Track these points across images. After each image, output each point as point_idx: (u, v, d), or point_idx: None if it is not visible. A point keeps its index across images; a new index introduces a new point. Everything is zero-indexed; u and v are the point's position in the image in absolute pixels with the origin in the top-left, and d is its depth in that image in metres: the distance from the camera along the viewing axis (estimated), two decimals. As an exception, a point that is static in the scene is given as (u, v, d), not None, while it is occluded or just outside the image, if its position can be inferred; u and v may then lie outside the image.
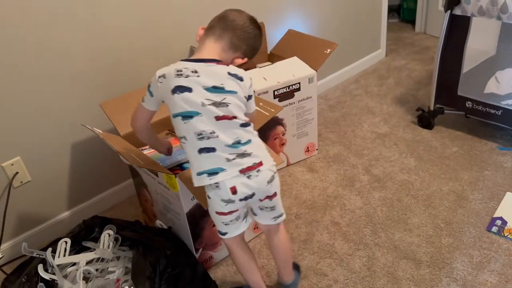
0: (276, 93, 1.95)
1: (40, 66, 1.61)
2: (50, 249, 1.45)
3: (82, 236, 1.56)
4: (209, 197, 1.25)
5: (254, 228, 1.73)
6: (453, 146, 2.18)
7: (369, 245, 1.67)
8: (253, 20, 1.27)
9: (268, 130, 2.01)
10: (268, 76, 1.97)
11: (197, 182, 1.21)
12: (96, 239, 1.55)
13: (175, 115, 1.17)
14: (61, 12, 1.59)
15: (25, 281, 1.39)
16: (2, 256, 1.69)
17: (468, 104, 2.14)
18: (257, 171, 1.21)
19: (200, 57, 1.21)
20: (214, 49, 1.23)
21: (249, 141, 1.21)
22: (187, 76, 1.16)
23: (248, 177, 1.20)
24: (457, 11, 2.00)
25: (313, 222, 1.80)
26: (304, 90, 2.01)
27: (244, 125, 1.21)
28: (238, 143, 1.19)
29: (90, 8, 1.66)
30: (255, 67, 2.18)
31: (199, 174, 1.19)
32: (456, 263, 1.56)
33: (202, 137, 1.17)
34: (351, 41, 2.86)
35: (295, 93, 2.00)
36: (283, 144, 2.10)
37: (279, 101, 1.96)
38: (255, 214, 1.34)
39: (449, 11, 2.03)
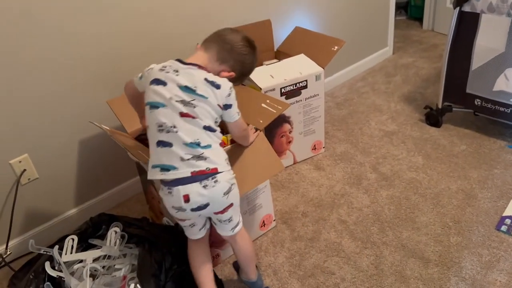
0: (283, 90, 1.94)
1: (48, 64, 1.61)
2: (57, 247, 1.45)
3: (89, 233, 1.56)
4: (162, 199, 1.26)
5: (261, 226, 1.73)
6: (462, 144, 2.16)
7: (377, 244, 1.66)
8: (246, 39, 1.35)
9: (275, 128, 2.00)
10: (275, 74, 1.96)
11: (150, 174, 1.23)
12: (103, 237, 1.55)
13: (146, 104, 1.24)
14: (70, 10, 1.59)
15: (32, 278, 1.39)
16: (10, 253, 1.70)
17: (477, 102, 2.11)
18: (214, 181, 1.21)
19: (187, 61, 1.28)
20: (202, 57, 1.30)
21: (208, 146, 1.22)
22: (167, 72, 1.24)
23: (204, 186, 1.19)
24: (466, 8, 1.98)
25: (320, 220, 1.79)
26: (311, 87, 2.00)
27: (208, 128, 1.23)
28: (197, 144, 1.20)
29: (99, 6, 1.66)
30: (262, 65, 2.17)
31: (153, 167, 1.22)
32: (465, 262, 1.54)
33: (162, 129, 1.20)
34: (358, 39, 2.84)
35: (302, 91, 1.99)
36: (289, 142, 2.09)
37: (286, 98, 1.95)
38: (214, 224, 1.34)
39: (458, 8, 2.00)
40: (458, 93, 2.17)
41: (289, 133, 2.07)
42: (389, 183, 1.96)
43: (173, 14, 1.89)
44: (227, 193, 1.24)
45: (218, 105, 1.25)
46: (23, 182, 1.68)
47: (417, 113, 2.45)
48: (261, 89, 1.85)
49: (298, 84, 1.96)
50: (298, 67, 2.01)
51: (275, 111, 1.64)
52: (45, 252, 1.45)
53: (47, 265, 1.40)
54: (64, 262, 1.43)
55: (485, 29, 1.98)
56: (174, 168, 1.18)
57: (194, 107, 1.21)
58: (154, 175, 1.21)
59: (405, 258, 1.58)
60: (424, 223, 1.72)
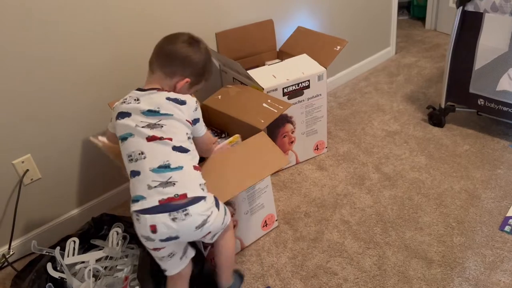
0: (285, 90, 1.93)
1: (52, 65, 1.61)
2: (58, 248, 1.45)
3: (91, 233, 1.56)
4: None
5: (263, 226, 1.72)
6: (465, 144, 2.15)
7: (380, 244, 1.65)
8: (183, 40, 1.32)
9: (277, 128, 2.00)
10: (277, 74, 1.96)
11: (131, 208, 1.17)
12: (105, 237, 1.55)
13: (119, 138, 1.26)
14: (76, 11, 1.59)
15: (34, 278, 1.39)
16: (13, 253, 1.70)
17: (480, 101, 2.10)
18: (185, 215, 1.12)
19: (145, 88, 1.30)
20: (154, 80, 1.31)
21: (179, 168, 1.16)
22: (129, 103, 1.26)
23: (173, 219, 1.12)
24: (470, 7, 1.97)
25: (323, 220, 1.79)
26: (314, 87, 2.00)
27: (179, 149, 1.19)
28: (165, 167, 1.15)
29: (105, 7, 1.66)
30: (264, 65, 2.17)
31: (132, 200, 1.18)
32: (468, 263, 1.54)
33: (131, 159, 1.19)
34: (360, 38, 2.83)
35: (305, 91, 1.98)
36: (292, 142, 2.09)
37: (288, 98, 1.95)
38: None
39: (461, 7, 2.00)
40: (461, 93, 2.16)
41: (292, 133, 2.06)
42: (392, 183, 1.95)
43: (177, 16, 1.89)
44: (200, 226, 1.16)
45: (187, 120, 1.25)
46: (26, 183, 1.68)
47: (420, 113, 2.45)
48: (263, 89, 1.85)
49: (300, 84, 1.96)
50: (300, 67, 2.00)
51: (276, 111, 1.64)
52: (47, 253, 1.45)
53: (49, 266, 1.40)
54: (66, 264, 1.43)
55: (489, 29, 1.97)
56: (142, 197, 1.14)
57: (162, 126, 1.20)
58: (131, 208, 1.16)
59: (408, 259, 1.58)
60: (427, 223, 1.72)
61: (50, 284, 1.36)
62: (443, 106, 2.26)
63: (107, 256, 1.48)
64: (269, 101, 1.66)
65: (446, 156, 2.08)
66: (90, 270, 1.41)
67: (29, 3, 1.49)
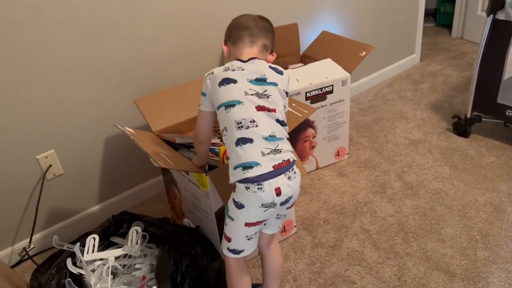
0: (308, 95, 1.92)
1: (77, 62, 1.63)
2: (78, 244, 1.46)
3: (111, 231, 1.57)
4: (241, 206, 1.18)
5: (282, 232, 1.71)
6: (490, 156, 2.09)
7: (400, 254, 1.62)
8: (264, 18, 1.35)
9: (299, 132, 1.98)
10: (301, 77, 1.94)
11: (233, 177, 1.18)
12: (124, 235, 1.56)
13: (219, 106, 1.20)
14: (100, 11, 1.61)
15: (54, 273, 1.41)
16: (33, 247, 1.72)
17: (509, 112, 2.05)
18: (294, 173, 1.20)
19: (244, 59, 1.26)
20: (252, 53, 1.29)
21: (281, 138, 1.21)
22: (233, 70, 1.22)
23: (289, 178, 1.18)
24: (500, 16, 1.92)
25: (342, 228, 1.76)
26: (337, 92, 1.98)
27: (281, 122, 1.23)
28: (272, 137, 1.18)
29: (132, 10, 1.67)
30: (287, 68, 2.16)
31: (235, 168, 1.17)
32: (492, 278, 1.49)
33: (241, 126, 1.17)
34: (385, 45, 2.80)
35: (328, 96, 1.97)
36: (313, 147, 2.07)
37: (311, 103, 1.93)
38: (265, 224, 1.28)
39: (491, 16, 1.95)
40: (488, 103, 2.11)
41: (313, 138, 2.05)
42: (414, 192, 1.91)
43: (203, 19, 1.89)
44: (300, 184, 1.25)
45: (284, 90, 1.26)
46: (49, 178, 1.70)
47: (444, 122, 2.40)
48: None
49: (323, 89, 1.94)
50: (324, 71, 1.98)
51: (301, 115, 1.62)
52: (67, 249, 1.46)
53: (69, 261, 1.41)
54: (86, 260, 1.44)
55: (520, 38, 1.93)
56: (257, 164, 1.15)
57: (268, 97, 1.20)
58: (237, 176, 1.16)
59: (429, 271, 1.54)
60: (450, 236, 1.68)
61: (69, 279, 1.37)
62: (469, 116, 2.21)
63: (125, 254, 1.48)
64: (293, 105, 1.65)
65: (471, 167, 2.03)
66: (108, 267, 1.42)
67: (62, 7, 1.51)
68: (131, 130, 1.50)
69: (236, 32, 1.31)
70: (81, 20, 1.59)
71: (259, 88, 1.20)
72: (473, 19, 3.33)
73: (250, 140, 1.16)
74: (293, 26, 2.19)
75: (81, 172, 1.79)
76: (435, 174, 2.01)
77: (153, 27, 1.77)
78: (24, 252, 1.68)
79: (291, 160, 1.19)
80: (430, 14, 3.82)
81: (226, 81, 1.20)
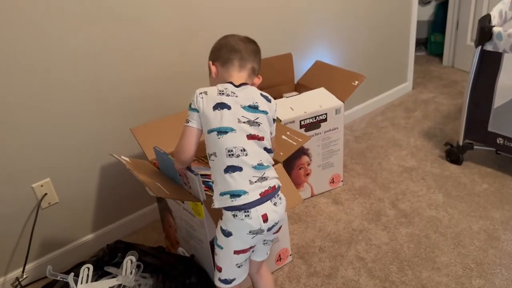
0: (302, 123, 1.94)
1: (73, 91, 1.65)
2: (72, 274, 1.45)
3: (105, 261, 1.56)
4: (229, 234, 1.20)
5: (277, 260, 1.70)
6: (483, 183, 2.12)
7: (396, 283, 1.61)
8: (252, 41, 1.36)
9: (293, 160, 2.00)
10: (295, 106, 1.98)
11: (219, 203, 1.20)
12: (119, 264, 1.55)
13: (211, 130, 1.20)
14: (97, 39, 1.65)
15: (47, 304, 1.39)
16: (26, 276, 1.70)
17: (499, 140, 2.09)
18: (279, 198, 1.23)
19: (236, 83, 1.27)
20: (242, 77, 1.30)
21: (268, 166, 1.23)
22: (228, 95, 1.22)
23: (275, 204, 1.21)
24: (489, 47, 1.98)
25: (338, 256, 1.76)
26: (331, 121, 2.01)
27: (268, 150, 1.26)
28: (260, 165, 1.21)
29: (130, 34, 1.71)
30: (282, 97, 2.19)
31: (222, 194, 1.19)
32: (488, 307, 1.49)
33: (232, 154, 1.18)
34: (378, 73, 2.86)
35: (322, 124, 1.99)
36: (307, 174, 2.08)
37: (305, 131, 1.96)
38: (253, 251, 1.30)
39: (480, 47, 2.01)
40: (479, 131, 2.14)
41: (307, 165, 2.06)
42: (409, 220, 1.92)
43: (203, 47, 1.93)
44: (285, 209, 1.27)
45: (272, 118, 1.29)
46: (43, 206, 1.70)
47: (437, 149, 2.43)
48: (280, 121, 1.86)
49: (317, 117, 1.97)
50: (318, 100, 2.02)
51: (295, 144, 1.64)
52: (61, 279, 1.45)
53: (63, 292, 1.40)
54: (79, 290, 1.43)
55: (508, 68, 1.98)
56: (245, 192, 1.17)
57: (259, 125, 1.23)
58: (223, 203, 1.18)
59: (425, 300, 1.54)
60: (444, 264, 1.68)
61: (62, 310, 1.36)
62: (461, 143, 2.24)
63: (120, 285, 1.47)
64: (288, 133, 1.67)
65: (464, 195, 2.05)
66: (102, 298, 1.40)
67: (55, 28, 1.55)
68: (127, 159, 1.51)
69: (226, 54, 1.30)
70: (77, 47, 1.62)
71: (251, 115, 1.22)
72: (463, 49, 3.41)
73: (240, 169, 1.18)
74: (288, 56, 2.23)
75: (76, 201, 1.79)
76: (429, 202, 2.02)
77: (151, 54, 1.81)
78: (17, 282, 1.66)
79: (276, 186, 1.23)
80: (421, 43, 3.91)
81: (221, 106, 1.21)
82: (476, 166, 2.25)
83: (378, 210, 2.00)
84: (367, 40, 2.69)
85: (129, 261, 1.50)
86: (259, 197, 1.18)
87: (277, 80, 2.24)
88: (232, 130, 1.19)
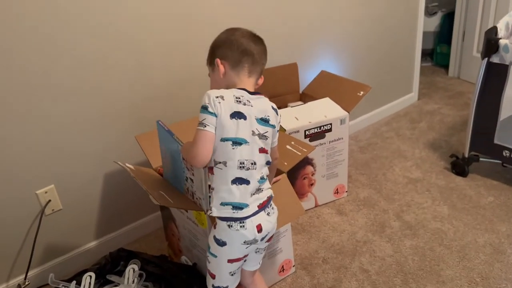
0: (307, 133, 1.94)
1: (77, 98, 1.66)
2: (74, 282, 1.44)
3: (107, 269, 1.55)
4: (223, 243, 1.20)
5: (280, 271, 1.69)
6: (489, 196, 2.10)
7: (400, 296, 1.60)
8: (261, 39, 1.29)
9: (298, 170, 1.99)
10: (300, 116, 1.97)
11: (218, 212, 1.18)
12: (121, 273, 1.54)
13: (226, 139, 1.16)
14: (101, 47, 1.66)
15: (48, 312, 1.38)
16: (29, 283, 1.69)
17: (505, 153, 2.07)
18: (272, 208, 1.24)
19: (250, 91, 1.22)
20: (252, 83, 1.25)
21: (266, 179, 1.25)
22: (244, 104, 1.18)
23: (268, 214, 1.22)
24: (495, 59, 1.97)
25: (341, 267, 1.75)
26: (336, 131, 2.00)
27: (268, 163, 1.26)
28: (263, 178, 1.22)
29: (132, 42, 1.72)
30: (287, 106, 2.19)
31: (224, 204, 1.17)
32: (494, 322, 1.47)
33: (243, 167, 1.17)
34: (383, 84, 2.85)
35: (326, 134, 1.99)
36: (312, 185, 2.08)
37: (310, 141, 1.95)
38: (244, 260, 1.30)
39: (486, 59, 2.00)
40: (485, 143, 2.13)
41: (312, 175, 2.05)
42: (413, 232, 1.90)
43: (205, 52, 1.93)
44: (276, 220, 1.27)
45: (277, 130, 1.28)
46: (47, 213, 1.70)
47: (443, 161, 2.41)
48: (285, 130, 1.86)
49: (322, 127, 1.97)
50: (323, 110, 2.02)
51: (300, 154, 1.64)
52: (63, 287, 1.44)
53: (64, 299, 1.39)
54: (81, 298, 1.42)
55: (514, 80, 1.97)
56: (247, 205, 1.17)
57: (266, 138, 1.22)
58: (223, 213, 1.17)
59: (429, 314, 1.52)
60: (449, 277, 1.66)
61: (63, 319, 1.35)
62: (466, 155, 2.23)
63: (121, 293, 1.46)
64: (292, 143, 1.67)
65: (470, 207, 2.03)
66: (104, 306, 1.40)
67: (62, 37, 1.56)
68: (131, 167, 1.51)
69: (238, 55, 1.22)
70: (82, 55, 1.62)
71: (262, 129, 1.21)
72: (469, 60, 3.40)
73: (247, 182, 1.18)
74: (293, 66, 2.24)
75: (79, 208, 1.79)
76: (434, 214, 2.01)
77: (157, 62, 1.81)
78: (19, 289, 1.66)
79: (270, 197, 1.24)
80: (427, 54, 3.91)
81: (239, 115, 1.16)
82: (482, 179, 2.23)
83: (382, 222, 1.99)
84: (372, 50, 2.69)
85: (132, 269, 1.49)
86: (257, 209, 1.19)
87: (282, 89, 2.24)
88: (246, 142, 1.17)
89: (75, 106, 1.65)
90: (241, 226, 1.17)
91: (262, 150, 1.20)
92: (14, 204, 1.62)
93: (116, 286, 1.48)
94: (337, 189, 2.16)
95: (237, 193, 1.17)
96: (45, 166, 1.65)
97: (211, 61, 1.27)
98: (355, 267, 1.74)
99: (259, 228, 1.19)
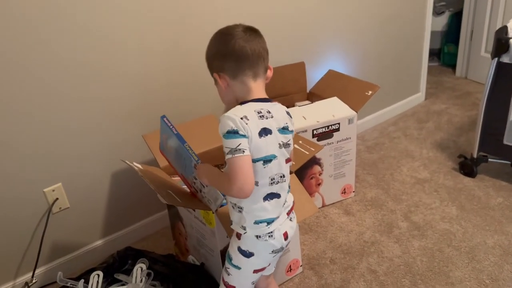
0: (315, 132, 1.93)
1: (85, 97, 1.66)
2: (82, 280, 1.44)
3: (115, 268, 1.55)
4: (250, 254, 1.15)
5: (287, 271, 1.68)
6: (498, 197, 2.08)
7: (408, 298, 1.59)
8: (254, 30, 1.15)
9: (305, 169, 1.98)
10: (308, 115, 1.96)
11: (253, 231, 1.13)
12: (129, 272, 1.54)
13: (258, 160, 1.07)
14: (110, 46, 1.65)
15: (56, 310, 1.38)
16: (36, 281, 1.70)
17: (515, 153, 2.05)
18: (293, 213, 1.24)
19: (261, 97, 1.13)
20: (260, 85, 1.14)
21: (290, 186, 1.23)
22: (266, 118, 1.09)
23: (291, 219, 1.21)
24: (505, 59, 1.95)
25: (349, 268, 1.74)
26: (344, 130, 1.99)
27: (290, 171, 1.25)
28: (289, 186, 1.21)
29: (138, 42, 1.72)
30: (294, 106, 2.18)
31: (258, 222, 1.12)
32: (504, 325, 1.45)
33: (274, 182, 1.12)
34: (390, 83, 2.84)
35: (334, 133, 1.98)
36: (319, 184, 2.06)
37: (318, 140, 1.94)
38: None
39: (496, 59, 1.98)
40: (494, 144, 2.11)
41: (319, 175, 2.04)
42: (422, 233, 1.89)
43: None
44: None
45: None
46: (54, 211, 1.70)
47: (450, 161, 2.40)
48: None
49: (330, 127, 1.95)
50: (331, 109, 2.01)
51: (307, 153, 1.63)
52: (71, 285, 1.44)
53: (72, 298, 1.39)
54: (89, 296, 1.42)
55: (524, 81, 1.95)
56: (278, 216, 1.16)
57: (289, 146, 1.16)
58: (259, 231, 1.13)
59: (438, 316, 1.51)
60: (458, 279, 1.64)
61: (71, 317, 1.35)
62: (475, 156, 2.21)
63: (129, 292, 1.46)
64: (300, 142, 1.66)
65: (479, 208, 2.01)
66: (111, 305, 1.39)
67: (69, 38, 1.56)
68: (139, 166, 1.50)
69: (234, 64, 1.10)
70: (87, 55, 1.62)
71: (284, 138, 1.14)
72: (476, 60, 3.38)
73: (278, 196, 1.14)
74: (300, 65, 2.23)
75: (87, 206, 1.79)
76: (442, 215, 1.99)
77: (164, 61, 1.81)
78: (27, 287, 1.66)
79: (294, 202, 1.24)
80: (434, 54, 3.88)
81: (266, 131, 1.08)
82: (491, 179, 2.21)
83: (390, 222, 1.97)
84: (380, 50, 2.68)
85: (139, 268, 1.49)
86: (286, 217, 1.19)
87: (290, 88, 2.23)
88: (275, 157, 1.10)
89: (82, 106, 1.65)
90: (269, 236, 1.14)
91: (288, 160, 1.17)
92: (22, 202, 1.62)
93: (124, 285, 1.48)
94: (344, 189, 2.15)
95: (270, 208, 1.13)
96: (53, 165, 1.65)
97: (211, 74, 1.18)
98: (363, 268, 1.73)
99: (286, 236, 1.17)
